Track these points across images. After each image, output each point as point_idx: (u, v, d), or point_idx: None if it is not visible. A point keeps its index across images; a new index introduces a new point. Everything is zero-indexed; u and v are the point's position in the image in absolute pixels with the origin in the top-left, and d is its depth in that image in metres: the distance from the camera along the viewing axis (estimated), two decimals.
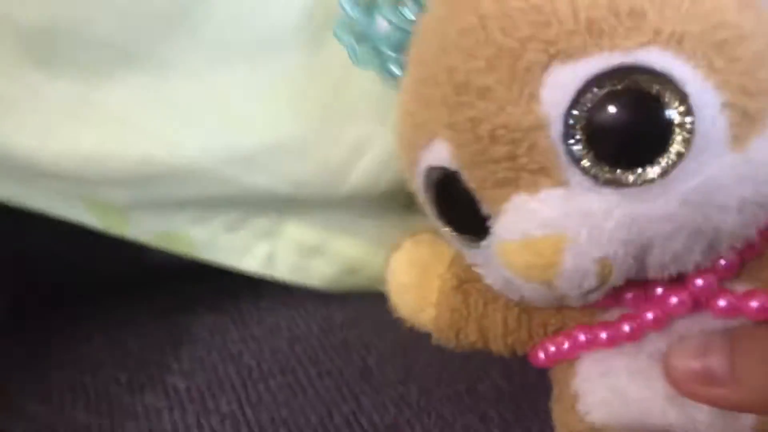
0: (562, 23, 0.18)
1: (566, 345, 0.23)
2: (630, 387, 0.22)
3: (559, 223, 0.19)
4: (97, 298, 0.38)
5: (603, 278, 0.19)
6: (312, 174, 0.32)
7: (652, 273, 0.20)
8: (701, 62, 0.18)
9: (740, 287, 0.21)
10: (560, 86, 0.18)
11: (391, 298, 0.26)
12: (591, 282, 0.19)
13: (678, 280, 0.21)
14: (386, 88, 0.24)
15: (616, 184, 0.18)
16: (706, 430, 0.21)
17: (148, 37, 0.29)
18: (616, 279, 0.20)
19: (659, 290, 0.21)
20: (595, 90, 0.18)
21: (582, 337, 0.22)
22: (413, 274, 0.25)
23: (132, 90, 0.30)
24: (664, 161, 0.18)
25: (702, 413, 0.21)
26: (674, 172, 0.18)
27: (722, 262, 0.21)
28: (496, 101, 0.19)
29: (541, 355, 0.23)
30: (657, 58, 0.18)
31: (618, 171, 0.18)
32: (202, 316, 0.36)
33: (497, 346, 0.24)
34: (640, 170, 0.18)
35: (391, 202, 0.36)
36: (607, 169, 0.18)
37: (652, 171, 0.18)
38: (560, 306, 0.22)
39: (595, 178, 0.18)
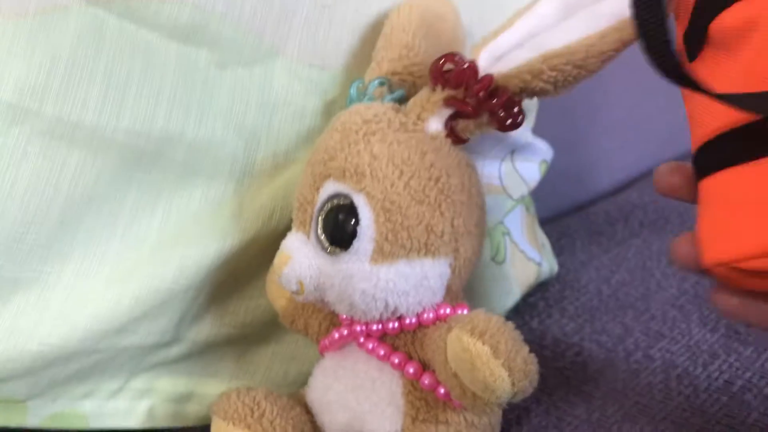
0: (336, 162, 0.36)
1: (326, 341, 0.40)
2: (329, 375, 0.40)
3: (292, 250, 0.36)
4: None
5: (299, 290, 0.35)
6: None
7: (334, 307, 0.37)
8: (376, 211, 0.35)
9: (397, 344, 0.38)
10: (324, 191, 0.36)
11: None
12: (293, 288, 0.36)
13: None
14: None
15: (323, 249, 0.36)
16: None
17: (27, 264, 0.38)
18: (308, 295, 0.36)
19: (357, 327, 0.38)
20: (331, 200, 0.36)
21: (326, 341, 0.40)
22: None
23: (18, 306, 0.38)
24: (343, 249, 0.35)
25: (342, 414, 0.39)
26: (344, 257, 0.35)
27: (403, 322, 0.37)
28: (306, 185, 0.38)
29: (320, 343, 0.40)
30: (358, 198, 0.35)
31: (327, 243, 0.36)
32: None
33: (311, 337, 0.42)
34: (335, 248, 0.35)
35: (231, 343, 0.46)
36: (323, 239, 0.36)
37: (338, 250, 0.35)
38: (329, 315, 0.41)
39: (317, 240, 0.36)
